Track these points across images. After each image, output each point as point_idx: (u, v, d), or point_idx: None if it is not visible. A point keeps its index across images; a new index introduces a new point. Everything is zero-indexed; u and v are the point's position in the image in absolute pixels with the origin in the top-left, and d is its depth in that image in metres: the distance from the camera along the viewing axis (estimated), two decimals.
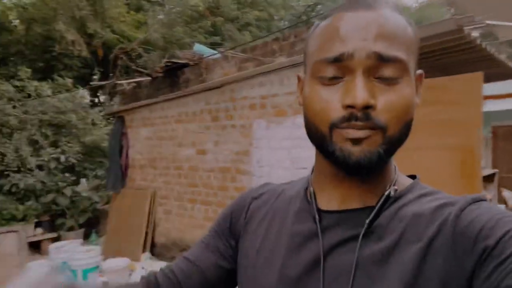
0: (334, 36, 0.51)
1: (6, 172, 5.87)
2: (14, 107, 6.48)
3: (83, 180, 6.79)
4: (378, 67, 0.49)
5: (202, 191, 4.36)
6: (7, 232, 5.24)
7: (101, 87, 9.34)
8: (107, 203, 6.15)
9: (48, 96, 6.94)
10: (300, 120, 3.70)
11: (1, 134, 6.31)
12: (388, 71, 0.50)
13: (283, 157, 3.65)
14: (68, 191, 6.00)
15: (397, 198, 0.55)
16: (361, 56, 0.49)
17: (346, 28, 0.50)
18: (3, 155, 5.94)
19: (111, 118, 6.54)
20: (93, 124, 7.61)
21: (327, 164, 0.56)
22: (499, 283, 0.42)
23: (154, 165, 5.10)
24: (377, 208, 0.53)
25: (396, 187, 0.55)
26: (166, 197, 4.89)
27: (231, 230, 0.69)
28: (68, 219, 6.04)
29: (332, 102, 0.51)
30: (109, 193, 5.76)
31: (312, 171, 0.64)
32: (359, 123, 0.49)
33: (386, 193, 0.54)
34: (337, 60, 0.50)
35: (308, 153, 3.31)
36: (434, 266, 0.47)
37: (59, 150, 6.44)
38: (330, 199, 0.58)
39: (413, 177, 0.61)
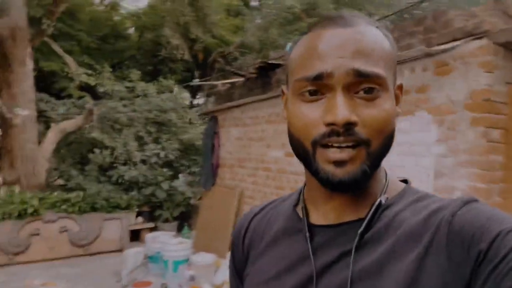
0: (312, 54, 0.52)
1: (114, 164, 6.49)
2: (124, 105, 7.15)
3: (180, 176, 7.19)
4: (358, 83, 0.50)
5: None
6: (112, 219, 5.78)
7: (200, 88, 9.88)
8: (200, 199, 6.42)
9: (153, 96, 7.53)
10: (402, 125, 3.40)
11: (113, 129, 7.02)
12: (367, 87, 0.50)
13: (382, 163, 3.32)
14: (165, 185, 6.41)
15: (389, 205, 0.55)
16: (340, 73, 0.49)
17: (324, 47, 0.51)
18: (114, 149, 6.59)
19: (206, 118, 6.81)
20: (190, 123, 8.04)
21: (316, 181, 0.55)
22: (496, 287, 0.42)
23: (243, 165, 5.13)
24: (367, 219, 0.53)
25: (386, 196, 0.55)
26: (253, 197, 4.88)
27: (236, 270, 0.71)
28: (165, 211, 6.44)
29: (314, 119, 0.51)
30: (202, 189, 5.99)
31: (304, 186, 0.64)
32: (341, 138, 0.49)
33: (377, 202, 0.54)
34: (317, 79, 0.50)
35: (407, 162, 2.95)
36: (430, 274, 0.47)
37: (159, 146, 6.91)
38: (324, 213, 0.58)
39: (405, 181, 0.61)
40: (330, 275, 0.53)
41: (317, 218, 0.59)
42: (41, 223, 5.23)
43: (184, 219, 6.58)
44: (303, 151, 0.53)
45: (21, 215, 5.10)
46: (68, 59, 6.46)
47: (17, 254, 4.96)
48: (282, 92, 0.62)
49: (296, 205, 0.64)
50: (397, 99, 0.57)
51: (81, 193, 5.63)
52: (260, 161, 4.78)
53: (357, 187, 0.53)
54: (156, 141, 7.18)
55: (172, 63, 9.70)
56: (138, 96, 7.51)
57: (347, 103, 0.49)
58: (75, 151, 6.83)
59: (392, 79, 0.55)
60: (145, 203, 6.41)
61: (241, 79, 5.18)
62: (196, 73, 9.74)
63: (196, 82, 6.43)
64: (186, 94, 10.17)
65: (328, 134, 0.50)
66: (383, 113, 0.51)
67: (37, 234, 5.17)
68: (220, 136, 5.60)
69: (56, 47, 6.34)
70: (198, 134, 7.68)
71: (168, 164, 7.18)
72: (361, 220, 0.54)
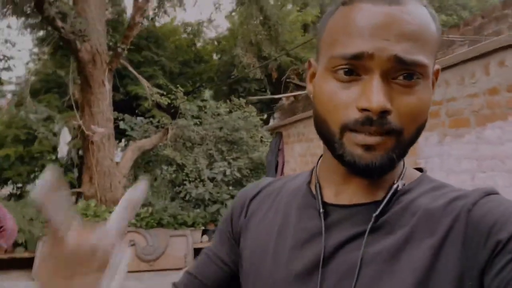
0: (353, 30, 0.48)
1: (184, 182, 6.57)
2: (196, 124, 7.29)
3: None
4: (398, 69, 0.47)
5: None
6: (178, 235, 5.77)
7: (273, 106, 9.74)
8: None
9: (223, 114, 7.57)
10: (489, 133, 2.72)
11: (185, 147, 7.17)
12: (407, 75, 0.48)
13: (463, 183, 2.67)
14: (230, 204, 6.25)
15: (406, 191, 0.53)
16: (381, 57, 0.46)
17: (367, 24, 0.47)
18: (184, 166, 6.69)
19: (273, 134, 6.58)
20: (261, 141, 7.88)
21: (337, 161, 0.52)
22: (511, 278, 0.40)
23: None
24: (384, 202, 0.51)
25: (403, 181, 0.53)
26: None
27: (233, 233, 0.67)
28: None
29: (346, 102, 0.48)
30: None
31: (317, 164, 0.62)
32: (373, 127, 0.47)
33: (394, 186, 0.52)
34: (355, 58, 0.47)
35: (500, 181, 2.29)
36: (447, 262, 0.46)
37: (226, 164, 6.85)
38: (338, 193, 0.56)
39: (420, 170, 0.59)
40: (341, 255, 0.52)
41: (330, 196, 0.57)
42: None
43: None
44: (328, 133, 0.51)
45: None
46: (143, 81, 6.82)
47: None
48: (309, 63, 0.58)
49: (309, 182, 0.61)
50: (432, 85, 0.53)
51: (149, 209, 5.75)
52: None
53: (382, 173, 0.51)
54: (225, 159, 7.14)
55: (246, 83, 9.78)
56: (210, 115, 7.62)
57: (384, 89, 0.46)
58: (147, 167, 7.10)
59: (433, 65, 0.51)
60: (211, 221, 6.32)
61: (304, 92, 4.85)
62: (269, 92, 9.65)
63: (256, 97, 6.25)
64: (253, 109, 10.13)
65: (361, 122, 0.47)
66: (419, 102, 0.49)
67: None
68: (284, 152, 5.28)
69: (132, 70, 6.73)
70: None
71: (237, 182, 7.06)
72: (376, 202, 0.52)
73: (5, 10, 8.48)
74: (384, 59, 0.46)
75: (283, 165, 5.26)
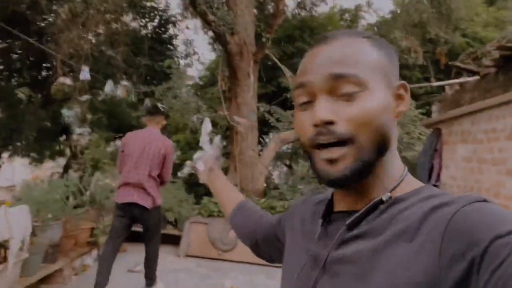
0: (301, 69, 0.63)
1: None
2: None
3: None
4: (337, 86, 0.57)
5: None
6: None
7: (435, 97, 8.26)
8: None
9: None
10: None
11: None
12: (346, 87, 0.57)
13: None
14: None
15: (398, 201, 0.57)
16: (317, 80, 0.58)
17: (307, 62, 0.62)
18: None
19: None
20: (419, 138, 6.75)
21: None
22: None
23: None
24: (360, 212, 0.58)
25: (390, 194, 0.58)
26: None
27: (284, 225, 0.83)
28: None
29: (306, 124, 0.60)
30: None
31: None
32: (324, 136, 0.56)
33: (377, 199, 0.57)
34: (302, 86, 0.61)
35: None
36: (420, 268, 0.47)
37: None
38: (342, 202, 0.65)
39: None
40: (329, 259, 0.59)
41: (338, 205, 0.66)
42: None
43: None
44: (306, 153, 0.62)
45: None
46: (285, 71, 6.64)
47: (225, 251, 5.36)
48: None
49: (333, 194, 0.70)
50: (400, 98, 0.62)
51: (285, 203, 5.58)
52: (494, 193, 3.25)
53: (351, 183, 0.57)
54: None
55: (406, 70, 8.57)
56: None
57: (327, 105, 0.57)
58: (285, 161, 6.94)
59: (380, 81, 0.59)
60: None
61: (474, 78, 3.75)
62: (434, 80, 8.20)
63: (411, 86, 5.23)
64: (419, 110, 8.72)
65: (315, 134, 0.57)
66: (362, 109, 0.55)
67: None
68: (443, 155, 4.27)
69: (276, 60, 6.64)
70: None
71: None
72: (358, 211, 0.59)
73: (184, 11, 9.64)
74: (320, 82, 0.58)
75: (439, 170, 4.26)
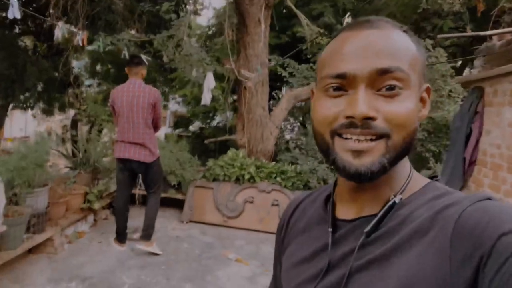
0: (338, 55, 0.57)
1: None
2: None
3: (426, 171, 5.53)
4: (379, 80, 0.54)
5: None
6: None
7: (472, 50, 7.38)
8: None
9: None
10: None
11: None
12: (390, 83, 0.54)
13: None
14: None
15: (406, 203, 0.57)
16: (363, 73, 0.54)
17: (349, 47, 0.56)
18: None
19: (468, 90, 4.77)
20: (449, 96, 6.04)
21: (344, 180, 0.61)
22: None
23: None
24: (377, 218, 0.56)
25: (401, 196, 0.57)
26: None
27: (283, 241, 0.77)
28: None
29: (335, 113, 0.56)
30: None
31: (335, 182, 0.69)
32: (357, 130, 0.53)
33: (390, 203, 0.57)
34: (340, 77, 0.56)
35: None
36: (430, 272, 0.48)
37: None
38: (348, 209, 0.63)
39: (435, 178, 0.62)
40: (338, 268, 0.58)
41: (341, 212, 0.64)
42: (256, 191, 5.07)
43: None
44: (323, 143, 0.58)
45: (239, 180, 5.08)
46: (301, 18, 5.86)
47: (230, 217, 4.99)
48: (312, 92, 0.66)
49: (328, 197, 0.69)
50: (424, 102, 0.60)
51: (297, 167, 5.10)
52: None
53: (373, 178, 0.54)
54: None
55: (438, 19, 7.61)
56: None
57: (367, 99, 0.53)
58: (298, 118, 6.35)
59: (417, 81, 0.57)
60: None
61: None
62: (470, 30, 7.27)
63: (449, 36, 4.43)
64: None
65: (346, 125, 0.54)
66: (403, 109, 0.53)
67: (251, 202, 5.04)
68: (485, 118, 3.64)
69: (291, 5, 5.84)
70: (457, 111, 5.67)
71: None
72: (374, 215, 0.57)
73: None
74: (365, 74, 0.54)
75: (479, 135, 3.65)
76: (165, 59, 4.81)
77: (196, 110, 9.67)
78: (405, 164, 0.61)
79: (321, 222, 0.67)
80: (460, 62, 6.99)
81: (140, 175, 4.04)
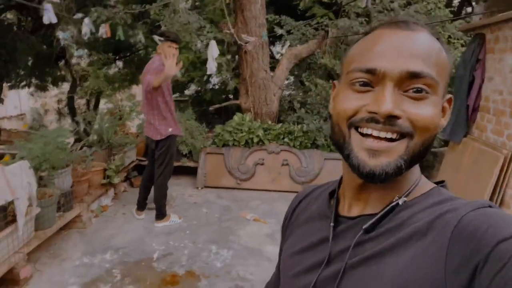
0: (371, 50, 0.56)
1: None
2: (362, 24, 5.98)
3: None
4: (409, 83, 0.53)
5: None
6: (333, 159, 5.17)
7: None
8: (445, 145, 4.85)
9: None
10: None
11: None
12: (418, 86, 0.53)
13: None
14: None
15: (409, 206, 0.57)
16: (393, 73, 0.53)
17: (383, 45, 0.55)
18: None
19: (470, 36, 4.80)
20: (449, 42, 6.04)
21: (349, 170, 0.59)
22: None
23: None
24: (377, 217, 0.57)
25: (405, 198, 0.58)
26: None
27: (285, 231, 0.80)
28: None
29: (357, 106, 0.55)
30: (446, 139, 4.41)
31: (341, 178, 0.69)
32: (379, 125, 0.53)
33: (393, 204, 0.57)
34: (370, 72, 0.55)
35: None
36: (425, 275, 0.48)
37: None
38: (350, 206, 0.64)
39: (441, 182, 0.63)
40: (336, 262, 0.59)
41: (344, 209, 0.65)
42: (265, 153, 5.23)
43: (424, 169, 5.21)
44: (339, 134, 0.57)
45: (248, 143, 5.23)
46: None
47: (243, 180, 5.20)
48: (333, 85, 0.66)
49: (332, 193, 0.70)
50: (444, 112, 0.60)
51: (303, 126, 5.23)
52: None
53: (386, 180, 0.54)
54: None
55: None
56: (381, 12, 6.10)
57: (394, 98, 0.53)
58: (302, 78, 6.38)
59: (443, 89, 0.57)
60: None
61: None
62: None
63: None
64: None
65: (366, 119, 0.53)
66: (428, 113, 0.53)
67: (262, 164, 5.22)
68: (487, 65, 3.72)
69: None
70: (458, 58, 5.69)
71: None
72: (375, 215, 0.58)
73: None
74: (395, 74, 0.53)
75: (481, 82, 3.75)
76: (163, 29, 4.76)
77: (192, 74, 9.62)
78: (415, 169, 0.61)
79: (324, 217, 0.68)
80: (458, 7, 6.89)
81: None
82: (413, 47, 0.54)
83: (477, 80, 3.75)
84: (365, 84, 0.56)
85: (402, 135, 0.53)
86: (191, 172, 5.51)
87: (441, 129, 0.59)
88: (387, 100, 0.52)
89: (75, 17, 7.48)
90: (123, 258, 3.39)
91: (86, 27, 4.76)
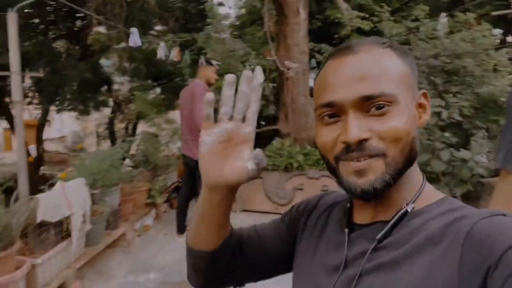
0: (325, 84, 0.60)
1: None
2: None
3: (475, 144, 5.45)
4: (368, 104, 0.56)
5: None
6: None
7: None
8: (495, 175, 4.64)
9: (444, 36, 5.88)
10: None
11: None
12: (377, 105, 0.56)
13: None
14: (445, 154, 4.98)
15: (420, 213, 0.58)
16: (349, 101, 0.57)
17: (333, 76, 0.59)
18: None
19: None
20: (495, 70, 5.88)
21: None
22: None
23: None
24: (389, 225, 0.58)
25: (413, 205, 0.59)
26: None
27: (295, 223, 0.81)
28: (443, 188, 5.09)
29: (332, 139, 0.60)
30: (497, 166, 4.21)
31: None
32: (354, 154, 0.57)
33: (402, 211, 0.59)
34: (330, 106, 0.59)
35: None
36: (439, 281, 0.48)
37: (441, 102, 5.40)
38: (363, 214, 0.66)
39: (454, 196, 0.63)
40: (351, 267, 0.60)
41: (358, 217, 0.67)
42: (305, 178, 5.19)
43: (471, 200, 4.99)
44: (330, 167, 0.62)
45: (287, 168, 5.22)
46: (340, 2, 5.83)
47: (281, 205, 5.16)
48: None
49: (347, 200, 0.72)
50: (423, 107, 0.63)
51: None
52: None
53: (378, 195, 0.57)
54: (441, 95, 5.66)
55: None
56: (422, 39, 6.06)
57: (358, 123, 0.56)
58: None
59: (408, 94, 0.59)
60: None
61: None
62: None
63: (504, 11, 4.31)
64: (496, 31, 7.58)
65: (344, 152, 0.58)
66: (394, 125, 0.56)
67: (301, 189, 5.17)
68: None
69: None
70: (505, 86, 5.52)
71: (456, 126, 5.58)
72: (387, 222, 0.60)
73: None
74: (351, 102, 0.57)
75: None
76: (210, 56, 4.95)
77: None
78: (415, 173, 0.63)
79: (340, 224, 0.70)
80: (502, 34, 6.75)
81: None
82: (358, 71, 0.57)
83: None
84: (332, 115, 0.60)
85: (374, 155, 0.56)
86: None
87: (424, 125, 0.63)
88: (351, 128, 0.56)
89: (117, 46, 7.95)
90: (166, 278, 3.41)
91: (161, 50, 5.21)
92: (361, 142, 0.56)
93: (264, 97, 6.12)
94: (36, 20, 9.58)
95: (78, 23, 10.16)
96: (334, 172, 0.61)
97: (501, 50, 5.96)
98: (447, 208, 0.57)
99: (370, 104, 0.56)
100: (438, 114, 5.27)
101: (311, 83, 6.17)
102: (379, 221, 0.62)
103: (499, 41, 7.19)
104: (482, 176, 4.96)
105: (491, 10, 7.07)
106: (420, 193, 0.61)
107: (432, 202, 0.60)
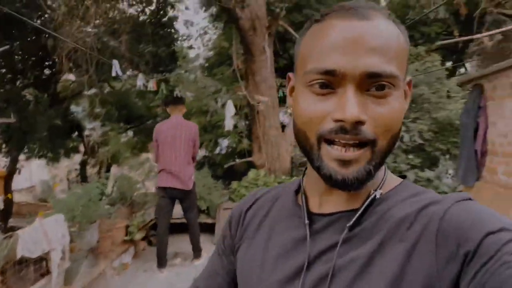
0: (326, 46, 0.51)
1: None
2: None
3: (442, 164, 5.78)
4: (370, 82, 0.50)
5: None
6: None
7: (460, 52, 7.84)
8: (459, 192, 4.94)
9: None
10: None
11: None
12: (379, 86, 0.50)
13: None
14: (411, 175, 5.29)
15: (383, 200, 0.56)
16: (354, 73, 0.49)
17: (338, 40, 0.50)
18: None
19: (468, 88, 5.15)
20: (448, 96, 6.41)
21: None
22: (485, 281, 0.42)
23: None
24: (359, 212, 0.55)
25: (381, 190, 0.57)
26: None
27: (230, 247, 0.71)
28: None
29: (322, 113, 0.51)
30: (460, 185, 4.54)
31: (304, 174, 0.66)
32: (347, 136, 0.49)
33: (371, 197, 0.56)
34: (328, 74, 0.50)
35: None
36: (417, 268, 0.47)
37: (403, 127, 5.80)
38: (322, 203, 0.60)
39: (403, 177, 0.61)
40: (319, 264, 0.55)
41: (314, 206, 0.61)
42: None
43: None
44: (307, 145, 0.54)
45: None
46: None
47: None
48: (288, 78, 0.63)
49: (297, 191, 0.66)
50: (405, 95, 0.57)
51: None
52: None
53: (359, 186, 0.52)
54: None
55: (424, 27, 8.12)
56: None
57: (358, 101, 0.49)
58: None
59: (404, 76, 0.54)
60: None
61: None
62: (457, 33, 7.75)
63: (446, 41, 4.85)
64: (449, 63, 8.30)
65: (335, 131, 0.50)
66: (392, 112, 0.51)
67: None
68: (488, 112, 3.98)
69: (292, 31, 6.26)
70: (459, 110, 6.02)
71: (418, 149, 5.96)
72: (354, 210, 0.56)
73: None
74: (356, 75, 0.49)
75: (486, 128, 3.98)
76: (181, 93, 5.18)
77: (205, 138, 10.01)
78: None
79: (292, 216, 0.63)
80: (450, 63, 7.42)
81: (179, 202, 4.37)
82: (371, 41, 0.49)
83: (482, 126, 3.99)
84: (324, 85, 0.51)
85: (365, 143, 0.50)
86: (209, 229, 5.55)
87: (403, 113, 0.56)
88: (352, 105, 0.48)
89: (86, 92, 8.10)
90: None
91: (140, 80, 5.50)
92: (357, 124, 0.49)
93: (238, 132, 6.34)
94: (3, 70, 9.59)
95: (47, 71, 10.24)
96: (310, 151, 0.54)
97: (452, 78, 6.54)
98: (409, 193, 0.55)
99: (372, 82, 0.49)
100: (400, 138, 5.63)
101: (281, 116, 6.47)
102: (344, 210, 0.57)
103: (449, 71, 7.86)
104: (445, 192, 5.25)
105: (434, 44, 7.81)
106: (385, 179, 0.58)
107: (392, 187, 0.57)
